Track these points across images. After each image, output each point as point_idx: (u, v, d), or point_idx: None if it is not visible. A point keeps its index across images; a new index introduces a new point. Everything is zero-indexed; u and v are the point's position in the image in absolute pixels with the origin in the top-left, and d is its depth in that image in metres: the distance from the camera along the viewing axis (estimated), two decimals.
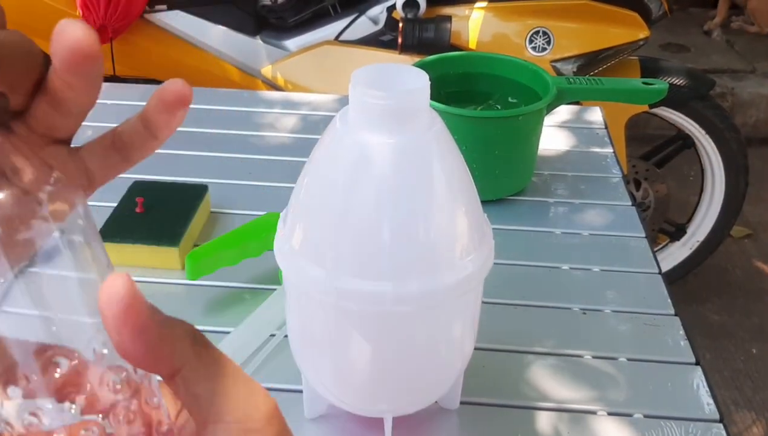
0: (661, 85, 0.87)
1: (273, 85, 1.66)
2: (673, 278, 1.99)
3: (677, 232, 1.98)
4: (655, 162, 1.96)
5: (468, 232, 0.47)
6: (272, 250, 0.70)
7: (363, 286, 0.45)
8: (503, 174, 0.87)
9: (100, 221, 0.78)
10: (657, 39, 3.31)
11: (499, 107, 0.93)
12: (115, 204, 0.81)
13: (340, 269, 0.45)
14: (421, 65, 0.88)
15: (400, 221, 0.45)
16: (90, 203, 0.25)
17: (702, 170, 1.91)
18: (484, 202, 0.50)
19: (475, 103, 0.93)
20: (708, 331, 1.98)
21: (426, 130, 0.45)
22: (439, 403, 0.61)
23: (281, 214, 0.52)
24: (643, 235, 0.85)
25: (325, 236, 0.46)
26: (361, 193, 0.44)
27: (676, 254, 1.98)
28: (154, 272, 0.76)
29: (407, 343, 0.49)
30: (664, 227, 1.99)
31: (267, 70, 1.66)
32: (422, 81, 0.45)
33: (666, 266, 1.97)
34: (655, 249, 1.99)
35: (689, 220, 1.97)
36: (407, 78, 0.45)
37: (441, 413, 0.61)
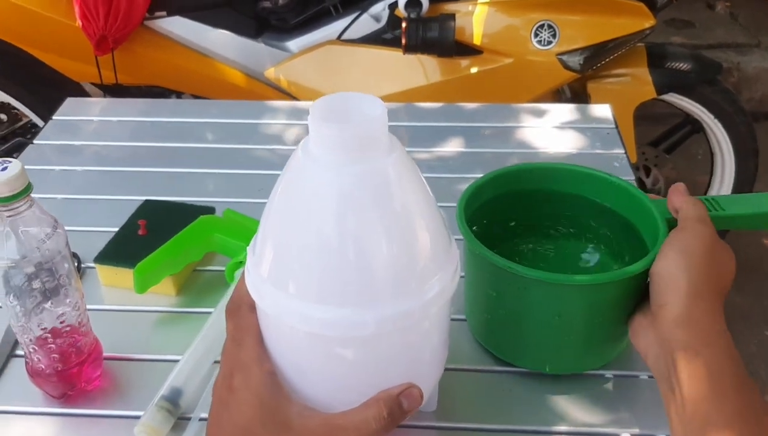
0: None
1: (277, 88, 1.65)
2: None
3: None
4: (664, 148, 1.95)
5: (432, 253, 0.48)
6: (212, 251, 0.78)
7: (326, 312, 0.46)
8: (611, 337, 0.65)
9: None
10: (661, 15, 3.27)
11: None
12: None
13: (306, 296, 0.46)
14: (478, 185, 0.69)
15: (363, 248, 0.45)
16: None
17: (711, 154, 1.89)
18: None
19: (540, 235, 0.74)
20: None
21: (385, 157, 0.46)
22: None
23: (250, 243, 0.51)
24: None
25: (291, 264, 0.47)
26: (324, 222, 0.45)
27: None
28: (149, 297, 0.75)
29: (377, 363, 0.50)
30: None
31: (270, 73, 1.64)
32: (379, 110, 0.46)
33: None
34: None
35: None
36: (365, 107, 0.46)
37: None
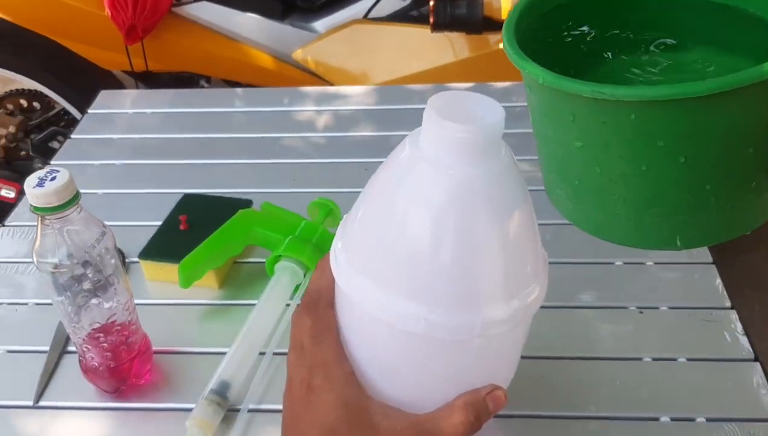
0: None
1: (305, 69, 1.66)
2: None
3: None
4: None
5: (533, 258, 0.48)
6: (252, 244, 0.80)
7: (436, 314, 0.45)
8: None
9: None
10: None
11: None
12: None
13: (415, 297, 0.46)
14: None
15: (477, 252, 0.45)
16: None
17: None
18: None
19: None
20: (756, 281, 1.96)
21: (497, 161, 0.46)
22: None
23: (337, 232, 0.51)
24: None
25: (399, 264, 0.46)
26: (437, 223, 0.45)
27: None
28: (193, 291, 0.77)
29: (470, 365, 0.50)
30: None
31: (297, 54, 1.65)
32: (498, 114, 0.45)
33: None
34: None
35: None
36: (484, 109, 0.46)
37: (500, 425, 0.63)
